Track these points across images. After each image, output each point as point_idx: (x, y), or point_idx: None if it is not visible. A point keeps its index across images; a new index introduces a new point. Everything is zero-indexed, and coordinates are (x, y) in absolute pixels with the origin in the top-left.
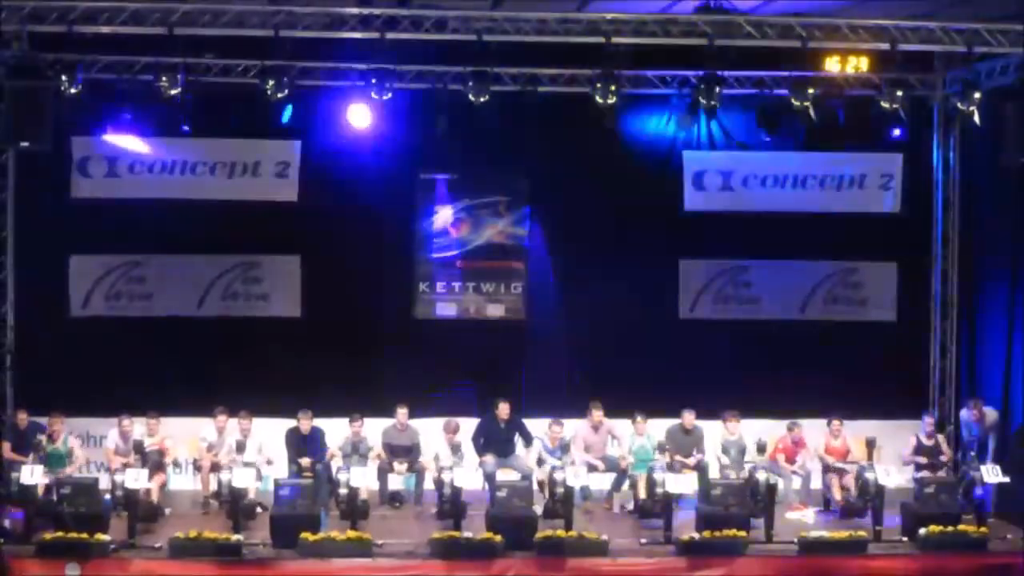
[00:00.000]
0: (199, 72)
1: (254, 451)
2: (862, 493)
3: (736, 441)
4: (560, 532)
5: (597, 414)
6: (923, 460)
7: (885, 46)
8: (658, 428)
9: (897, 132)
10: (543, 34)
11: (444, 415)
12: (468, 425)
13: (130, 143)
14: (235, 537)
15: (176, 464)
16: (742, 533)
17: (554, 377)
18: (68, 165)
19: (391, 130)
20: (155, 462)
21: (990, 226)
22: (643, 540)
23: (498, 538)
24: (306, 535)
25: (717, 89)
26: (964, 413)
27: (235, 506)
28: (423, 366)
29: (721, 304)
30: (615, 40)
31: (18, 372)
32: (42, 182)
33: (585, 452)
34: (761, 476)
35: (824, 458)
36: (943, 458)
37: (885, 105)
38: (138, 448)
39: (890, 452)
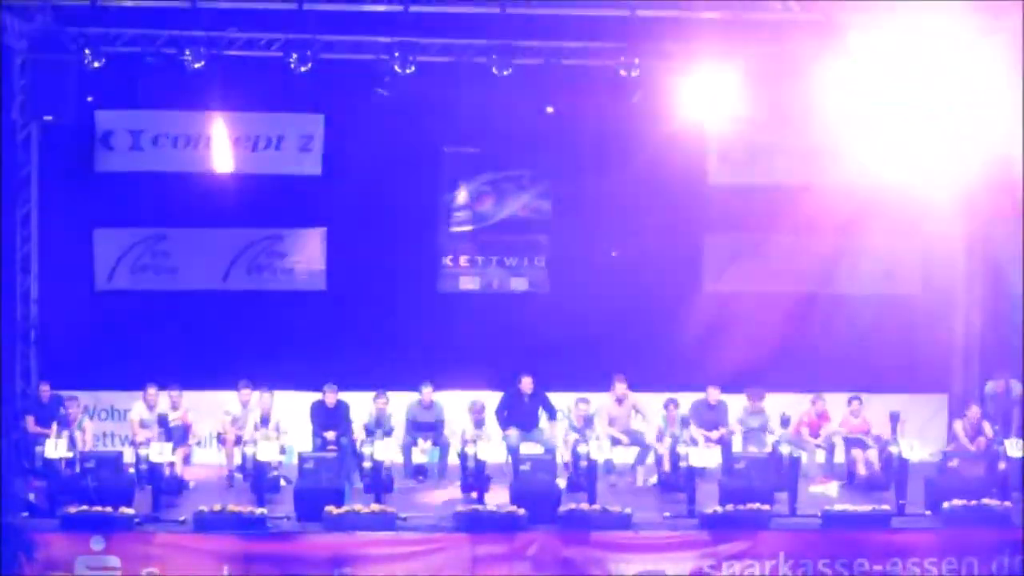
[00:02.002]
0: (222, 46)
1: (276, 427)
2: (886, 467)
3: (757, 415)
4: (584, 505)
5: (621, 388)
6: (972, 448)
7: None
8: (681, 401)
9: None
10: (567, 7)
11: (467, 388)
12: (492, 399)
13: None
14: (259, 510)
15: (199, 439)
16: (766, 507)
17: (578, 351)
18: (92, 139)
19: (415, 103)
20: (179, 436)
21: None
22: (667, 513)
23: (522, 511)
24: (330, 508)
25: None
26: (989, 387)
27: (259, 479)
28: (447, 339)
29: (745, 276)
30: (639, 13)
31: (43, 346)
32: (66, 156)
33: (609, 426)
34: (784, 450)
35: (838, 431)
36: (982, 439)
37: None
38: (162, 422)
39: (914, 426)
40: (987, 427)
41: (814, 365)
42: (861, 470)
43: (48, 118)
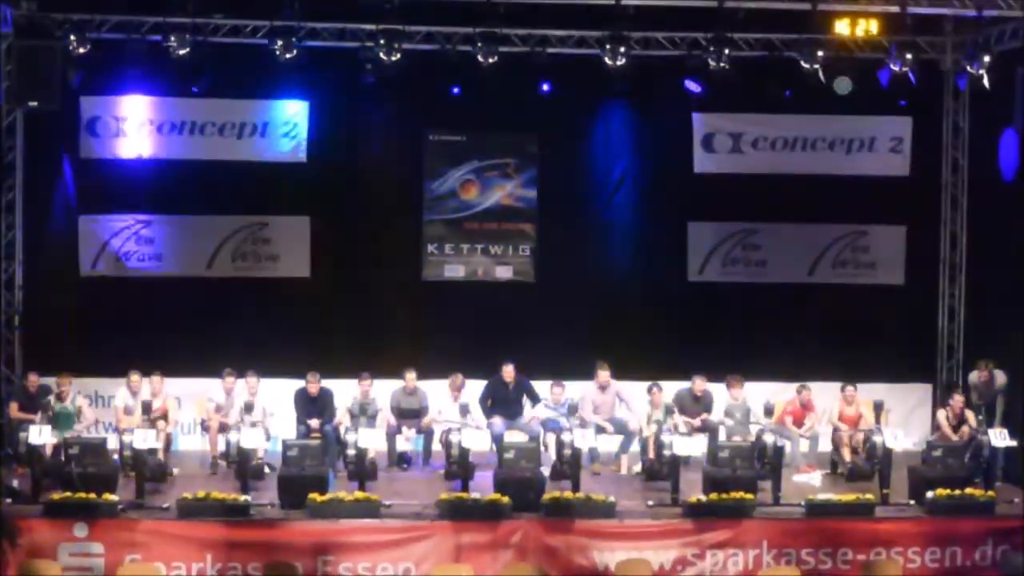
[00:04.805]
0: (208, 32)
1: (262, 412)
2: (870, 456)
3: (740, 405)
4: (567, 494)
5: (604, 374)
6: (956, 438)
7: (895, 9)
8: (666, 390)
9: (905, 97)
10: None
11: (452, 376)
12: (476, 387)
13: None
14: (243, 498)
15: (177, 423)
16: (749, 496)
17: (562, 339)
18: (77, 125)
19: (399, 91)
20: (159, 424)
21: (998, 189)
22: (650, 502)
23: (505, 499)
24: (314, 496)
25: (726, 51)
26: (973, 376)
27: (243, 467)
28: (431, 327)
29: (729, 267)
30: (624, 2)
31: (27, 332)
32: (51, 142)
33: (593, 413)
34: (768, 439)
35: (839, 426)
36: (965, 429)
37: (895, 68)
38: (146, 408)
39: (898, 415)
40: (970, 416)
41: (798, 354)
42: (845, 458)
43: (33, 104)
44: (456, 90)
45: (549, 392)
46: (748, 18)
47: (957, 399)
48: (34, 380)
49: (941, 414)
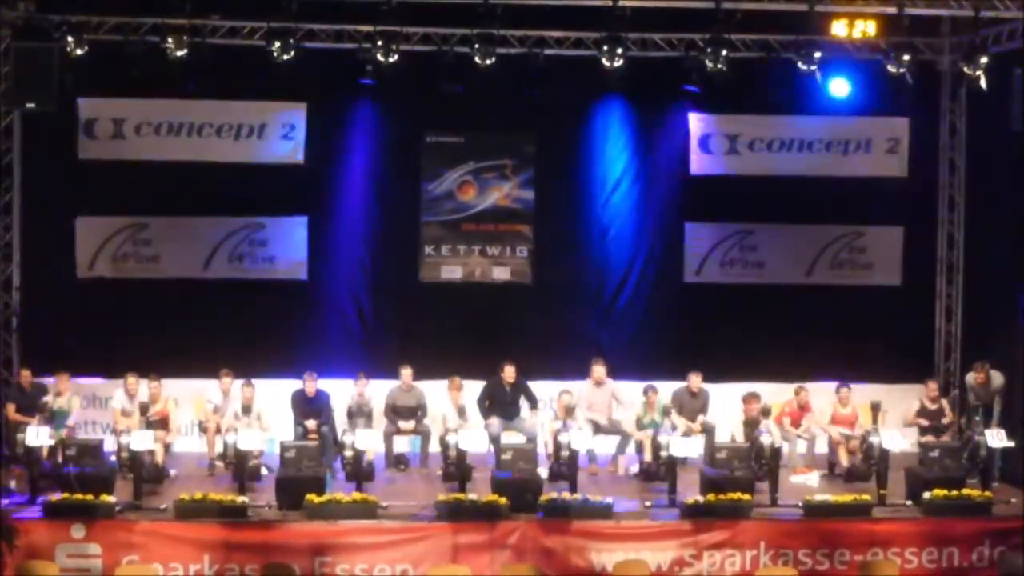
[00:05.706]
0: (205, 34)
1: (259, 413)
2: (867, 457)
3: (753, 420)
4: (565, 495)
5: (599, 371)
6: (925, 423)
7: (892, 10)
8: (664, 391)
9: (902, 98)
10: None
11: (449, 378)
12: (474, 388)
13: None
14: (240, 499)
15: (179, 429)
16: (747, 496)
17: (560, 341)
18: (74, 127)
19: (397, 92)
20: (159, 427)
21: (996, 190)
22: (648, 503)
23: (503, 500)
24: (311, 497)
25: (723, 52)
26: (970, 377)
27: (240, 468)
28: (428, 329)
29: (727, 267)
30: (621, 3)
31: (24, 333)
32: (48, 143)
33: (588, 410)
34: (766, 439)
35: (828, 430)
36: (945, 421)
37: (892, 69)
38: (143, 410)
39: (895, 416)
40: (946, 405)
41: (796, 355)
42: (842, 460)
43: (30, 105)
44: (454, 91)
45: (557, 399)
46: (745, 19)
47: (932, 386)
48: (27, 376)
49: (921, 400)
